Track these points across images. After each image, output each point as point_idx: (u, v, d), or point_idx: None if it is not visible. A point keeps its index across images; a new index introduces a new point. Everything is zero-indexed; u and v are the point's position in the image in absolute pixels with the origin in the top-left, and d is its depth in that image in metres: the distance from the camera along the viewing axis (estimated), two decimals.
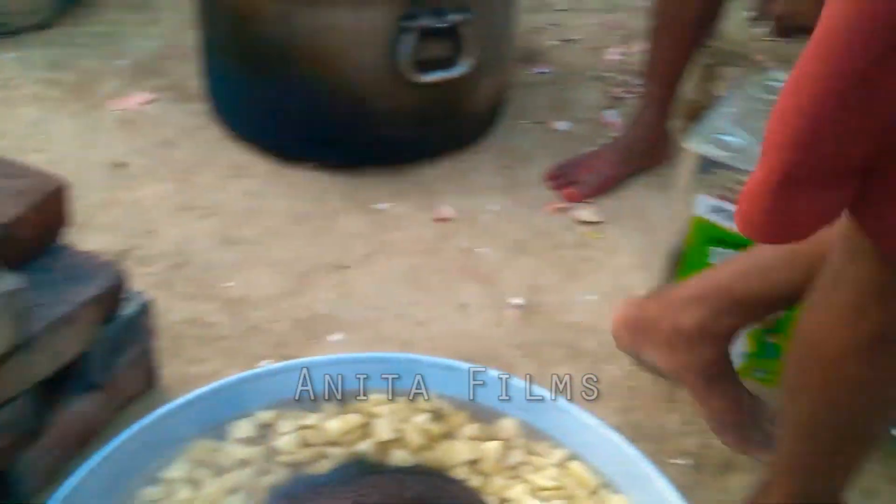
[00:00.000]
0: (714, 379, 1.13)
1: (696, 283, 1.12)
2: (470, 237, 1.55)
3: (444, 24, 1.50)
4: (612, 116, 1.83)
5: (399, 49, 1.50)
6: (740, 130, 1.13)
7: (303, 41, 1.53)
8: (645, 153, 1.62)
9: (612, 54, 2.03)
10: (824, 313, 0.83)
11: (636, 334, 1.16)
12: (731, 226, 1.11)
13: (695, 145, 1.11)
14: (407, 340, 1.35)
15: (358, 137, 1.62)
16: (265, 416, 1.07)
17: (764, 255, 1.05)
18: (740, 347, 1.18)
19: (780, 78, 1.22)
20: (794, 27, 1.25)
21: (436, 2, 1.49)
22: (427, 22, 1.48)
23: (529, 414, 1.09)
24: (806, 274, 0.93)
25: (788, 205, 0.70)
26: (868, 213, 0.73)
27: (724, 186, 1.09)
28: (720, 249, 1.13)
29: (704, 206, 1.11)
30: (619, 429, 1.17)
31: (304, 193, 1.61)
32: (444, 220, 1.58)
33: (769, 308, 1.10)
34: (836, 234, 0.81)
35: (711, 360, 1.12)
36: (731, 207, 1.09)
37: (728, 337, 1.11)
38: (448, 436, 1.07)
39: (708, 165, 1.09)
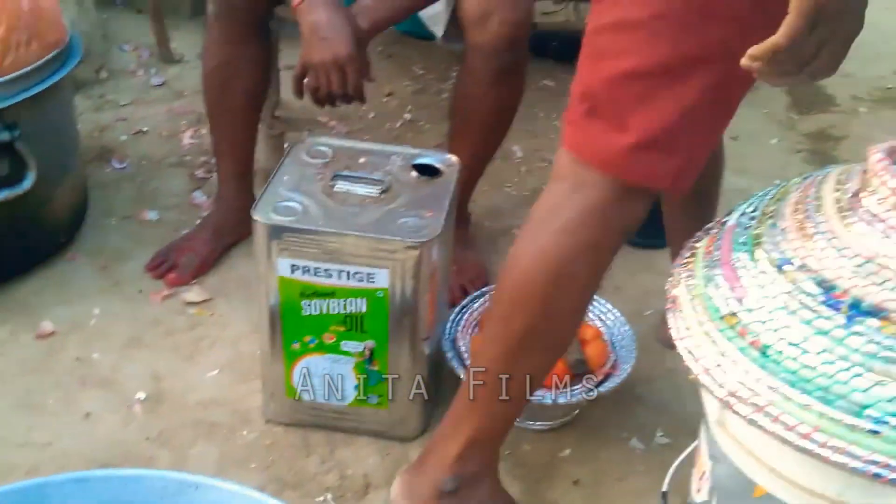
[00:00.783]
0: None
1: None
2: (80, 345, 1.53)
3: None
4: (199, 197, 1.91)
5: None
6: (297, 194, 1.27)
7: None
8: (235, 227, 1.71)
9: (187, 138, 2.11)
10: (547, 233, 1.03)
11: None
12: (314, 279, 1.24)
13: (260, 215, 1.23)
14: (33, 467, 1.31)
15: None
16: None
17: None
18: (350, 381, 1.32)
19: (323, 142, 1.38)
20: (325, 96, 1.42)
21: None
22: None
23: (171, 500, 1.12)
24: None
25: None
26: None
27: (296, 247, 1.22)
28: (311, 301, 1.26)
29: (285, 267, 1.23)
30: (262, 486, 1.26)
31: None
32: (47, 335, 1.54)
33: None
34: (560, 171, 1.05)
35: None
36: (309, 264, 1.22)
37: None
38: None
39: (277, 231, 1.21)
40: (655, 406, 1.43)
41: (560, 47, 2.47)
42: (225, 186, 1.73)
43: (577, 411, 1.40)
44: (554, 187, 1.06)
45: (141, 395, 1.44)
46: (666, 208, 1.41)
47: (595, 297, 1.49)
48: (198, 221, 1.79)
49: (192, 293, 1.65)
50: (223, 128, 1.67)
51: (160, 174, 1.98)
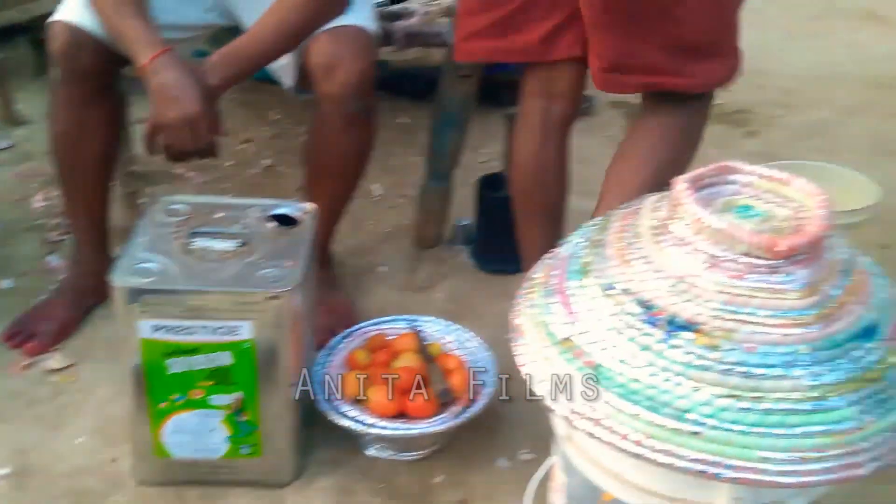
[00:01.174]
0: None
1: None
2: None
3: None
4: (54, 261, 1.87)
5: None
6: (155, 255, 1.28)
7: None
8: (94, 289, 1.68)
9: (38, 201, 2.06)
10: (662, 144, 1.44)
11: None
12: (177, 337, 1.25)
13: (118, 279, 1.23)
14: None
15: None
16: None
17: None
18: (221, 434, 1.33)
19: (178, 200, 1.40)
20: (179, 153, 1.43)
21: None
22: None
23: None
24: None
25: None
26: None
27: (157, 308, 1.23)
28: (176, 359, 1.27)
29: (147, 328, 1.24)
30: None
31: None
32: None
33: None
34: (654, 111, 1.44)
35: None
36: (171, 323, 1.23)
37: None
38: None
39: (136, 294, 1.22)
40: (519, 425, 1.50)
41: (413, 85, 2.55)
42: (81, 249, 1.71)
43: (447, 439, 1.46)
44: (651, 121, 1.45)
45: (5, 470, 1.40)
46: (520, 230, 1.54)
47: (457, 326, 1.57)
48: (54, 286, 1.76)
49: (54, 360, 1.62)
50: (75, 192, 1.65)
51: (12, 240, 1.93)
